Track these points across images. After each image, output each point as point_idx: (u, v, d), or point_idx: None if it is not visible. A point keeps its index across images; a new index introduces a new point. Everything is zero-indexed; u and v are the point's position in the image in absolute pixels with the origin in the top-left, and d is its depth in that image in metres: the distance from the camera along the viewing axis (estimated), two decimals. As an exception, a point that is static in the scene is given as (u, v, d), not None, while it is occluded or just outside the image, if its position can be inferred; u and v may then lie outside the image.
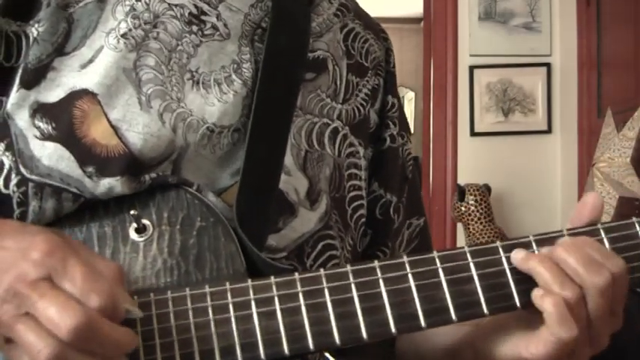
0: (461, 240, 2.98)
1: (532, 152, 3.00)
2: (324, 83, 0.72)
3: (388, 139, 0.78)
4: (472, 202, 2.80)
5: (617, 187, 2.34)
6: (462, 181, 2.92)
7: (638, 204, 2.31)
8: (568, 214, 2.93)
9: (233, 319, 0.51)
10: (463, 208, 2.82)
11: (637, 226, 0.58)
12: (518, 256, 0.56)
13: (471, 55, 2.99)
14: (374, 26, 0.81)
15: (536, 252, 0.57)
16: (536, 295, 0.54)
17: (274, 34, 0.67)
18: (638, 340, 1.73)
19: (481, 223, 2.78)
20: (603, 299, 0.53)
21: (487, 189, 2.85)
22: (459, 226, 2.96)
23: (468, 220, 2.81)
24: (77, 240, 0.52)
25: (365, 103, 0.75)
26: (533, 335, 0.55)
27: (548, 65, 2.99)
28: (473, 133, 3.00)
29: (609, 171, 2.38)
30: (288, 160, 0.66)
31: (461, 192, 2.83)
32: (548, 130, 3.00)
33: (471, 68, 2.99)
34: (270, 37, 0.67)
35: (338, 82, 0.73)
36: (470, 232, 2.81)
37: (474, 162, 3.00)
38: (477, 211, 2.79)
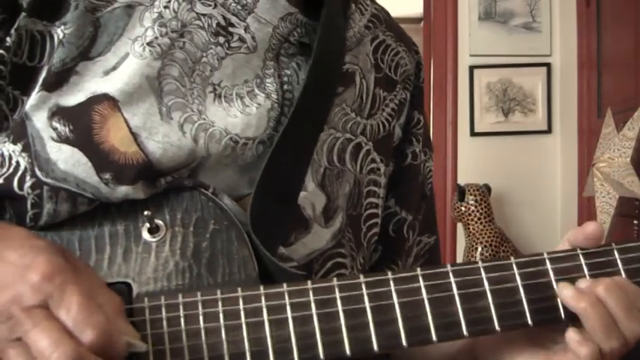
0: (461, 240, 2.98)
1: (532, 152, 3.00)
2: (350, 97, 0.70)
3: (410, 155, 0.77)
4: (472, 202, 2.80)
5: (617, 187, 2.34)
6: (462, 181, 2.92)
7: (638, 204, 2.31)
8: (568, 214, 2.94)
9: (244, 326, 0.51)
10: (463, 208, 2.82)
11: None
12: (567, 293, 0.55)
13: (471, 55, 2.99)
14: (406, 39, 0.79)
15: (550, 270, 0.56)
16: (573, 338, 0.54)
17: (322, 49, 0.66)
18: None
19: (481, 223, 2.78)
20: (636, 341, 0.54)
21: (487, 189, 2.85)
22: (459, 226, 2.96)
23: (468, 220, 2.81)
24: (82, 261, 0.50)
25: (390, 118, 0.74)
26: (546, 356, 0.55)
27: (548, 65, 2.99)
28: (473, 133, 3.00)
29: (609, 171, 2.38)
30: (307, 176, 0.65)
31: (461, 192, 2.83)
32: (548, 130, 3.00)
33: (471, 68, 2.99)
34: (317, 52, 0.65)
35: (364, 97, 0.72)
36: (470, 232, 2.81)
37: (474, 162, 3.00)
38: (477, 211, 2.79)
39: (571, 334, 0.54)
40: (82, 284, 0.46)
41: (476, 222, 2.79)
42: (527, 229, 2.97)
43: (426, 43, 3.18)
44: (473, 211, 2.79)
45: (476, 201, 2.80)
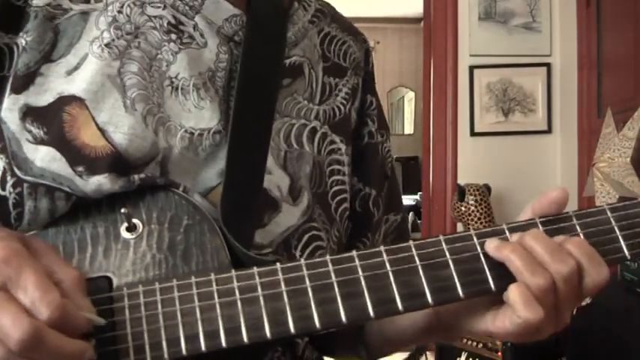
0: (461, 240, 2.98)
1: (532, 152, 3.00)
2: (301, 87, 0.75)
3: (367, 135, 0.81)
4: (472, 202, 2.81)
5: (617, 187, 2.34)
6: (462, 181, 2.93)
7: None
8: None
9: (217, 306, 0.52)
10: (463, 208, 2.82)
11: (608, 212, 0.59)
12: (491, 245, 0.57)
13: (471, 55, 3.00)
14: (351, 29, 0.84)
15: (509, 238, 0.58)
16: (507, 293, 0.55)
17: (249, 45, 0.70)
18: (639, 339, 1.73)
19: (481, 223, 2.78)
20: (568, 286, 0.55)
21: (487, 189, 2.85)
22: (459, 226, 2.96)
23: (468, 220, 2.81)
24: (43, 244, 0.52)
25: (345, 102, 0.78)
26: (499, 310, 0.57)
27: (548, 65, 3.00)
28: (473, 133, 3.01)
29: (609, 171, 2.38)
30: (270, 160, 0.69)
31: (461, 192, 2.83)
32: (548, 130, 3.01)
33: (471, 68, 3.00)
34: (245, 49, 0.70)
35: (314, 85, 0.76)
36: (470, 232, 2.81)
37: (474, 162, 3.01)
38: (477, 211, 2.79)
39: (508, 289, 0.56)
40: (39, 265, 0.48)
41: (476, 222, 2.79)
42: (527, 229, 2.97)
43: (426, 43, 3.18)
44: (473, 211, 2.80)
45: (476, 201, 2.80)
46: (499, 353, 2.29)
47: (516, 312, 0.54)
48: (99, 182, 0.60)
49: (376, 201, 0.81)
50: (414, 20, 4.02)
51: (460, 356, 2.44)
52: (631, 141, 2.32)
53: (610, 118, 2.48)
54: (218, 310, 0.52)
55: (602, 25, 2.78)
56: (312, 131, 0.74)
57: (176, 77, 0.67)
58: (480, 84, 2.99)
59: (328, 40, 0.80)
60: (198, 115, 0.66)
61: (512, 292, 0.55)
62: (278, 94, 0.72)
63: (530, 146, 3.00)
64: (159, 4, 0.69)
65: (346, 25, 0.84)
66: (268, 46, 0.72)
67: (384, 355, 0.79)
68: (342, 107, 0.78)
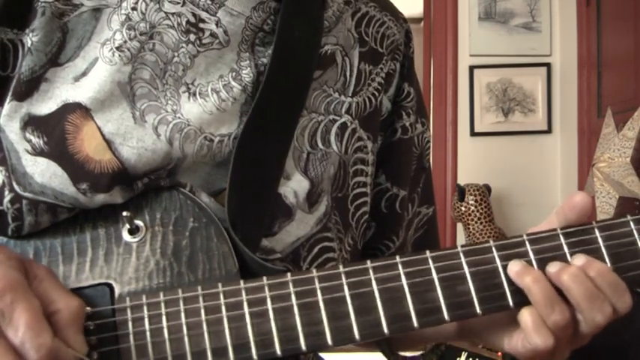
0: (461, 240, 2.98)
1: (532, 152, 2.99)
2: (332, 78, 0.69)
3: (400, 130, 0.75)
4: (472, 202, 2.80)
5: (617, 187, 2.34)
6: (462, 181, 2.92)
7: (638, 204, 2.31)
8: (568, 214, 2.93)
9: (225, 320, 0.51)
10: (463, 208, 2.81)
11: (631, 224, 0.58)
12: (514, 268, 0.55)
13: (471, 55, 2.99)
14: (392, 8, 0.77)
15: (529, 251, 0.56)
16: (521, 313, 0.54)
17: (279, 35, 0.65)
18: (639, 339, 1.73)
19: (481, 223, 2.78)
20: (599, 329, 0.54)
21: (487, 189, 2.85)
22: (459, 226, 2.96)
23: (468, 220, 2.81)
24: (44, 269, 0.50)
25: (377, 93, 0.72)
26: (514, 332, 0.56)
27: (548, 65, 2.99)
28: (473, 133, 3.00)
29: (609, 171, 2.37)
30: (289, 164, 0.64)
31: (461, 192, 2.83)
32: (548, 130, 3.00)
33: (471, 68, 2.99)
34: (278, 39, 0.64)
35: (348, 74, 0.70)
36: (470, 232, 2.81)
37: (474, 162, 3.00)
38: (477, 211, 2.78)
39: (521, 311, 0.55)
40: (35, 300, 0.45)
41: (476, 222, 2.78)
42: (527, 229, 2.95)
43: (426, 43, 3.18)
44: (473, 211, 2.79)
45: (476, 201, 2.79)
46: (499, 353, 2.29)
47: (527, 337, 0.53)
48: (104, 199, 0.57)
49: (410, 199, 0.76)
50: (414, 20, 4.00)
51: (460, 356, 2.44)
52: (631, 141, 2.31)
53: (610, 118, 2.48)
54: (226, 325, 0.50)
55: (602, 25, 2.77)
56: (342, 127, 0.68)
57: (192, 83, 0.62)
58: (480, 84, 2.99)
59: (366, 21, 0.73)
60: (220, 118, 0.62)
61: (524, 317, 0.53)
62: (309, 89, 0.66)
63: (530, 146, 3.00)
64: (178, 0, 0.63)
65: (384, 3, 0.76)
66: (302, 35, 0.66)
67: (405, 350, 0.76)
68: (372, 99, 0.71)
